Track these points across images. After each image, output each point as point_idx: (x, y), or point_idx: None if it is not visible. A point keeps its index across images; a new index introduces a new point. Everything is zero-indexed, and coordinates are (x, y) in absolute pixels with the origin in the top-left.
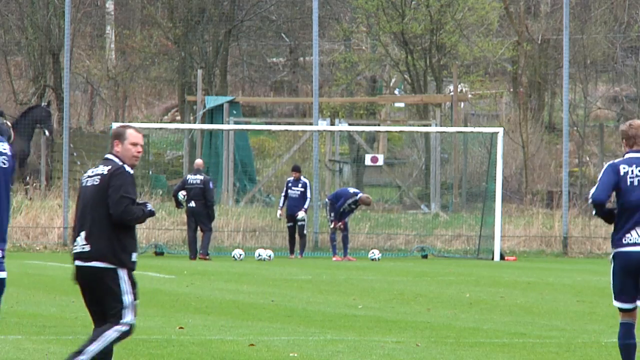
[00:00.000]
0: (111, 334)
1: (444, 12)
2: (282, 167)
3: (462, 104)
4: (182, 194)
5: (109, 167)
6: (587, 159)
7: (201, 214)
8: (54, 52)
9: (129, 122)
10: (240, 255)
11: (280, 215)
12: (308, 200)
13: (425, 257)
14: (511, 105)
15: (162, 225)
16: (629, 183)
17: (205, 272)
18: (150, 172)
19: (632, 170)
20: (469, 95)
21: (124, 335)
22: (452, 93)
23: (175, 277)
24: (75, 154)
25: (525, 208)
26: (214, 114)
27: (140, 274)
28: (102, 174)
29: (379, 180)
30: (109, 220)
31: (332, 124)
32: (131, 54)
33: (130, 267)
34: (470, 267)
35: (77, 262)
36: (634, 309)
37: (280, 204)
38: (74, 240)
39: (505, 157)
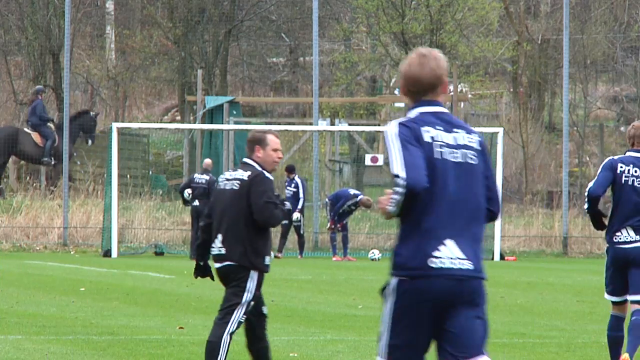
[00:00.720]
0: (226, 339)
1: (444, 12)
2: (281, 167)
3: (462, 104)
4: (187, 192)
5: (249, 172)
6: (587, 159)
7: (204, 214)
8: (54, 52)
9: (129, 122)
10: None
11: None
12: (301, 200)
13: None
14: (511, 105)
15: (162, 225)
16: (623, 182)
17: None
18: (150, 172)
19: (628, 170)
20: (469, 95)
21: (232, 335)
22: (452, 93)
23: (175, 277)
24: (75, 154)
25: (525, 208)
26: (214, 114)
27: (140, 274)
28: (241, 179)
29: (379, 180)
30: (244, 224)
31: (332, 124)
32: (131, 54)
33: (264, 270)
34: None
35: (216, 265)
36: (624, 302)
37: None
38: (212, 242)
39: (505, 157)
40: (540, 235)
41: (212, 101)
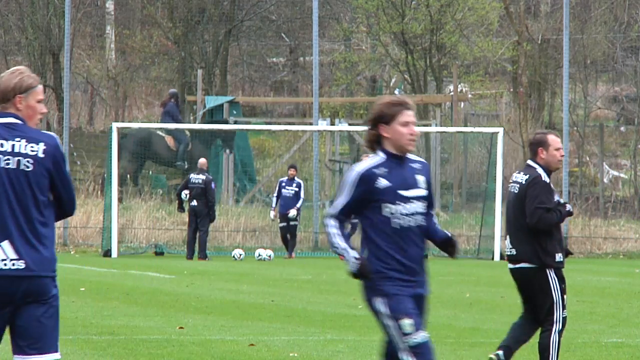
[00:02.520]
0: (554, 338)
1: (444, 12)
2: (282, 167)
3: (462, 104)
4: (184, 193)
5: (527, 176)
6: (587, 159)
7: (202, 213)
8: (54, 52)
9: (129, 122)
10: (240, 255)
11: (274, 216)
12: (301, 200)
13: (425, 257)
14: (511, 105)
15: (162, 225)
16: None
17: (205, 272)
18: (150, 172)
19: None
20: (469, 95)
21: (561, 333)
22: (452, 93)
23: (175, 277)
24: (75, 154)
25: None
26: (214, 114)
27: (140, 274)
28: (520, 183)
29: None
30: (529, 226)
31: (332, 124)
32: (131, 54)
33: (556, 267)
34: (470, 267)
35: (509, 265)
36: None
37: (273, 205)
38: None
39: (505, 157)
40: None
41: (212, 101)
